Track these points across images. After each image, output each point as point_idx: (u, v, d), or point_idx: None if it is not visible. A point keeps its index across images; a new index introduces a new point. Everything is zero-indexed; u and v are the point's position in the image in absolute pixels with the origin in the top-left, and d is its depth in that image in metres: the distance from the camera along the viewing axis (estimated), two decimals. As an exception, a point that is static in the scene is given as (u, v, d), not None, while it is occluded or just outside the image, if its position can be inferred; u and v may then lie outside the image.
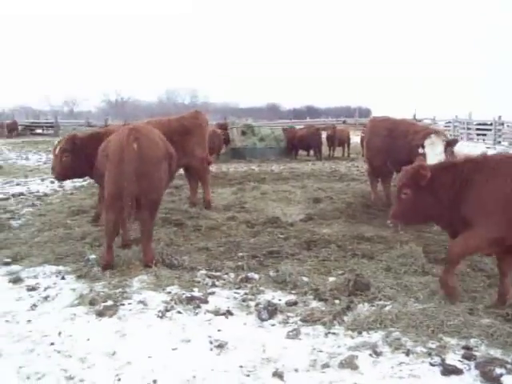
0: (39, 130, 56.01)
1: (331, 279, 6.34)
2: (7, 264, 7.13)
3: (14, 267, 7.01)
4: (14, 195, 13.47)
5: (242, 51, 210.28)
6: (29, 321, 5.30)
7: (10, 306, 5.69)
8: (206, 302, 5.69)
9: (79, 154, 8.30)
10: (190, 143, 10.82)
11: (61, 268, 6.95)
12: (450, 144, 8.96)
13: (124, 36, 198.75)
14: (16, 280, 6.48)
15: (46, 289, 6.22)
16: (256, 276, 6.51)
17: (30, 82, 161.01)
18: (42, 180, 16.67)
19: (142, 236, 7.06)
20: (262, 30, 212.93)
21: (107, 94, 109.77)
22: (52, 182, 15.31)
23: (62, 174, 8.66)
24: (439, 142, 8.86)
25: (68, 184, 14.80)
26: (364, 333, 4.93)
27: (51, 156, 10.51)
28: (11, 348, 4.69)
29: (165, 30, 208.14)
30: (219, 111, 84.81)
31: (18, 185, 15.80)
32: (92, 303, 5.63)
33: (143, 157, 6.69)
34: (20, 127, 53.80)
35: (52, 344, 4.76)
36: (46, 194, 13.73)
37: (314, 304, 5.65)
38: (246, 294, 5.96)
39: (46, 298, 5.94)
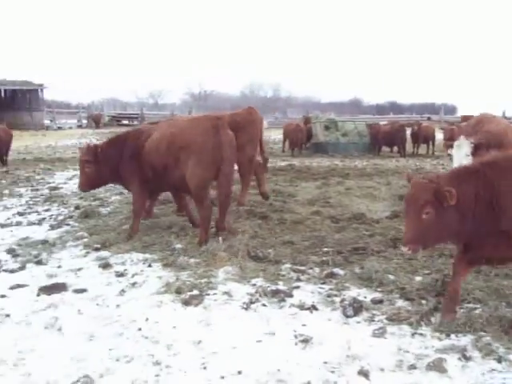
0: (125, 121, 57.85)
1: (418, 278, 6.16)
2: (97, 250, 7.41)
3: (104, 253, 7.25)
4: (102, 183, 13.90)
5: (326, 46, 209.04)
6: (118, 305, 5.46)
7: (101, 290, 5.89)
8: (291, 295, 5.66)
9: (102, 163, 8.08)
10: (241, 140, 10.65)
11: (147, 256, 7.11)
12: (478, 147, 8.43)
13: (208, 30, 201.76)
14: (105, 265, 6.70)
15: (133, 275, 6.39)
16: (341, 272, 6.42)
17: (120, 76, 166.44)
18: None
19: (219, 210, 7.69)
20: (346, 25, 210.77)
21: (190, 86, 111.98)
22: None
23: (86, 184, 8.40)
24: (466, 145, 8.42)
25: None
26: (452, 335, 4.74)
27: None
28: (102, 331, 4.84)
29: (248, 24, 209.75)
30: (301, 105, 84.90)
31: (106, 173, 16.27)
32: (178, 292, 5.71)
33: (229, 143, 7.42)
34: (107, 118, 55.90)
35: (139, 329, 4.87)
36: (133, 183, 14.02)
37: (401, 303, 5.50)
38: (330, 289, 5.89)
39: (133, 284, 6.09)
